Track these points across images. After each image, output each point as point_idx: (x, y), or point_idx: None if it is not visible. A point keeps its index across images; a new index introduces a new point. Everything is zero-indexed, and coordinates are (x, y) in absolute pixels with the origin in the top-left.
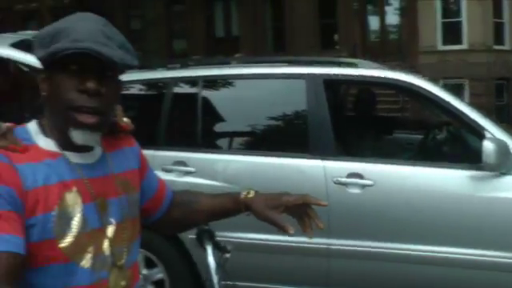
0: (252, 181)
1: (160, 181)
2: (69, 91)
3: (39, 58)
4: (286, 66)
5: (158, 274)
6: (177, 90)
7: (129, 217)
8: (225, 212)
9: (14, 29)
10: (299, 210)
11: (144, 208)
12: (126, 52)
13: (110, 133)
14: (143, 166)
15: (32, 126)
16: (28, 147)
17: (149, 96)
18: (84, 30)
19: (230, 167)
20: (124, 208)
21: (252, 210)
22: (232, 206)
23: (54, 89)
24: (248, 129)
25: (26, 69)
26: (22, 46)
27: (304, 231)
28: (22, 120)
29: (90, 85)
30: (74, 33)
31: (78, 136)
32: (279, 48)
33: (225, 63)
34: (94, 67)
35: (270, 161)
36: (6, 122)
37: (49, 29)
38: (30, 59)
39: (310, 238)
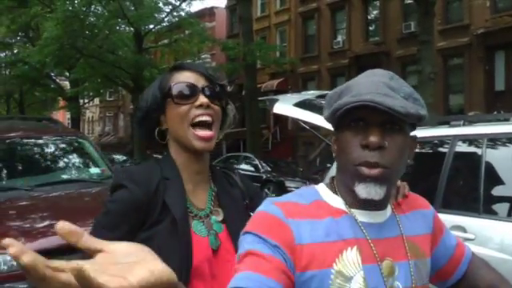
0: None
1: (457, 246)
2: (353, 147)
3: (326, 118)
4: None
5: None
6: (458, 148)
7: (418, 283)
8: None
9: (297, 89)
10: None
11: (438, 273)
12: (412, 102)
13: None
14: (437, 231)
15: (321, 187)
16: (313, 203)
17: (427, 154)
18: (366, 84)
19: None
20: (414, 273)
21: None
22: None
23: (341, 147)
24: None
25: (306, 126)
26: (303, 105)
27: None
28: (294, 174)
29: (372, 139)
30: (357, 88)
31: (361, 190)
32: None
33: (505, 119)
34: (377, 121)
35: None
36: (278, 174)
37: (337, 89)
38: (310, 118)
39: None
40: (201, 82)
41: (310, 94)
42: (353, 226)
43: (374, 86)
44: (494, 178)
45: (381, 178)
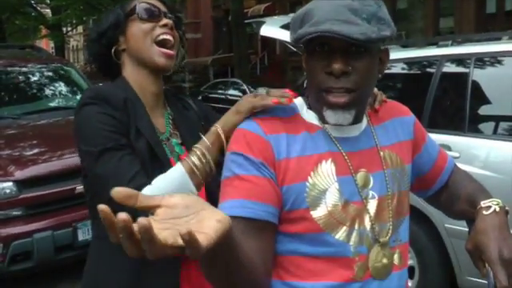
0: None
1: (440, 154)
2: (318, 74)
3: (293, 42)
4: None
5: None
6: (446, 68)
7: (395, 191)
8: (462, 213)
9: (285, 13)
10: None
11: (420, 180)
12: (377, 23)
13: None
14: (418, 138)
15: (298, 100)
16: (292, 117)
17: (414, 75)
18: (326, 9)
19: (499, 154)
20: (389, 182)
21: (474, 228)
22: (467, 208)
23: (308, 70)
24: None
25: (293, 48)
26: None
27: None
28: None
29: (335, 66)
30: (317, 14)
31: (330, 116)
32: None
33: (496, 39)
34: (340, 46)
35: None
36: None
37: (300, 11)
38: None
39: None
40: (163, 9)
41: None
42: (327, 140)
43: (333, 11)
44: (480, 98)
45: (347, 104)
